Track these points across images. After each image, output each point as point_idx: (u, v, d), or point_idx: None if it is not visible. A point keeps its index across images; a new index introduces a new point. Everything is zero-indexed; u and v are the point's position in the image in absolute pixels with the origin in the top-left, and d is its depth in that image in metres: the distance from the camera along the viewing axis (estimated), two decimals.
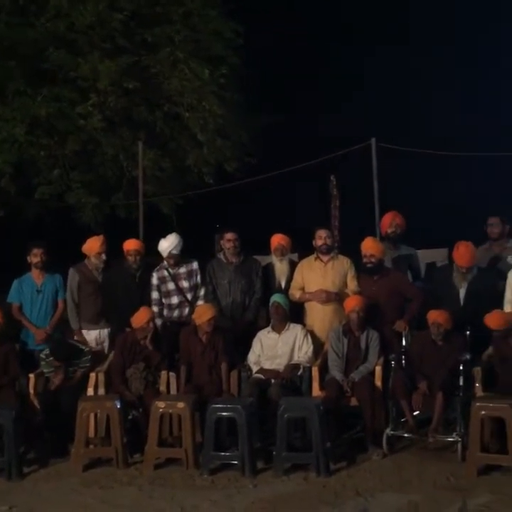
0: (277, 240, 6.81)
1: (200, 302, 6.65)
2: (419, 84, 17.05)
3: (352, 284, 6.55)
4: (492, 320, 5.84)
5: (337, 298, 6.46)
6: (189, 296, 6.74)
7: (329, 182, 11.04)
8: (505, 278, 6.28)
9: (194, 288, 6.76)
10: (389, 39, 17.12)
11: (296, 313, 6.54)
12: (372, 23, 17.32)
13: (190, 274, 6.79)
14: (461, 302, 6.30)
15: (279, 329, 6.37)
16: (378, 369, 6.05)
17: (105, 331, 6.87)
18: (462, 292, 6.31)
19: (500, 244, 6.61)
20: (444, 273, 6.55)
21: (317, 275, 6.56)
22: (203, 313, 6.29)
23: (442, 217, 14.45)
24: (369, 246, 6.50)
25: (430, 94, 17.00)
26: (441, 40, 17.08)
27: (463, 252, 6.30)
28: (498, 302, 6.22)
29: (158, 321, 6.61)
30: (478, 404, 5.38)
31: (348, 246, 7.50)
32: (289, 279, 6.69)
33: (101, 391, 6.27)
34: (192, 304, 6.70)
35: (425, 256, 7.56)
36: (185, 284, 6.76)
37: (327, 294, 6.46)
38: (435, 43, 17.16)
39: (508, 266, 6.45)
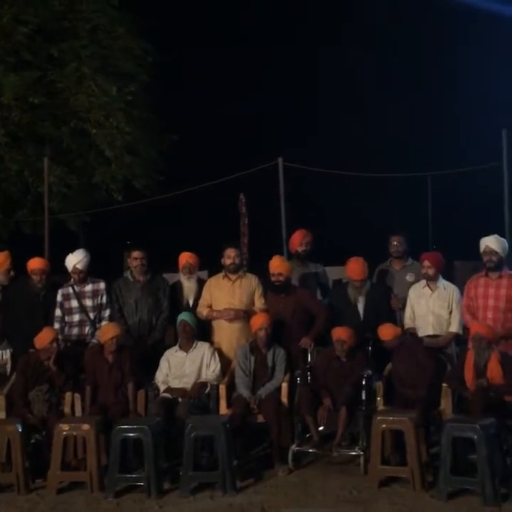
0: (185, 258, 6.81)
1: (104, 323, 6.55)
2: (329, 105, 17.56)
3: (259, 302, 6.62)
4: (384, 331, 6.12)
5: (245, 316, 6.51)
6: (91, 315, 6.63)
7: (238, 200, 11.19)
8: (391, 292, 6.61)
9: (98, 308, 6.66)
10: (300, 60, 17.54)
11: (203, 331, 6.55)
12: (280, 40, 17.74)
13: (95, 294, 6.67)
14: (361, 317, 6.51)
15: (186, 348, 6.36)
16: (284, 386, 6.12)
17: (7, 352, 6.65)
18: (360, 307, 6.53)
19: (401, 262, 6.85)
20: (340, 289, 6.80)
21: (225, 293, 6.59)
22: (107, 331, 6.22)
23: (349, 235, 14.86)
24: (277, 265, 6.59)
25: (339, 117, 17.52)
26: (352, 63, 17.65)
27: (353, 266, 6.58)
28: (395, 317, 6.51)
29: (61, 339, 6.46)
30: (379, 417, 5.53)
31: (256, 263, 7.57)
32: (197, 297, 6.70)
33: (1, 415, 6.07)
34: (94, 324, 6.60)
35: (332, 273, 7.74)
36: (88, 302, 6.64)
37: (235, 312, 6.50)
38: (345, 66, 17.72)
39: (404, 282, 6.69)
